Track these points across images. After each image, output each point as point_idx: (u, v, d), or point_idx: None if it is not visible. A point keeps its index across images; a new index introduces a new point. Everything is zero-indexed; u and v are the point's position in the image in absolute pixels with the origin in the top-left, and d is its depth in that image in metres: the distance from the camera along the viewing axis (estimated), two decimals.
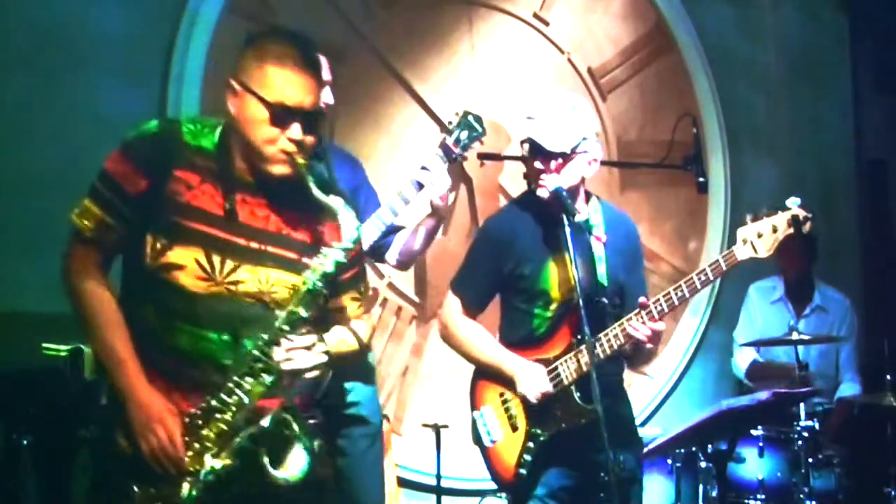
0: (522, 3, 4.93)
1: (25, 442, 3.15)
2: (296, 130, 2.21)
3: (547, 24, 4.99)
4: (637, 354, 3.04)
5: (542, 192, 2.95)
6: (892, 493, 4.27)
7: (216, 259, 2.20)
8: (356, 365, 3.10)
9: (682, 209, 5.32)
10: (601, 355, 2.91)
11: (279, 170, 2.23)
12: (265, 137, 2.20)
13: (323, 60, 3.41)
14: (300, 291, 2.23)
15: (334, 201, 2.27)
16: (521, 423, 2.97)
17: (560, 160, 2.96)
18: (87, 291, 2.22)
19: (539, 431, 2.94)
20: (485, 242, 3.17)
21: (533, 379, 2.94)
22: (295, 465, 2.19)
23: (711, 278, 2.99)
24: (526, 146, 3.02)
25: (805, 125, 5.73)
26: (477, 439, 3.05)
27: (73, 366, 2.16)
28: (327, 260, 2.24)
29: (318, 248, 2.29)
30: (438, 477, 3.92)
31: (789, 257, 4.99)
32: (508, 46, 4.89)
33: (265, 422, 2.15)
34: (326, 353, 2.28)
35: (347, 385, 3.44)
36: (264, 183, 2.26)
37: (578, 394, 2.92)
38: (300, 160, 2.23)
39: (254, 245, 2.24)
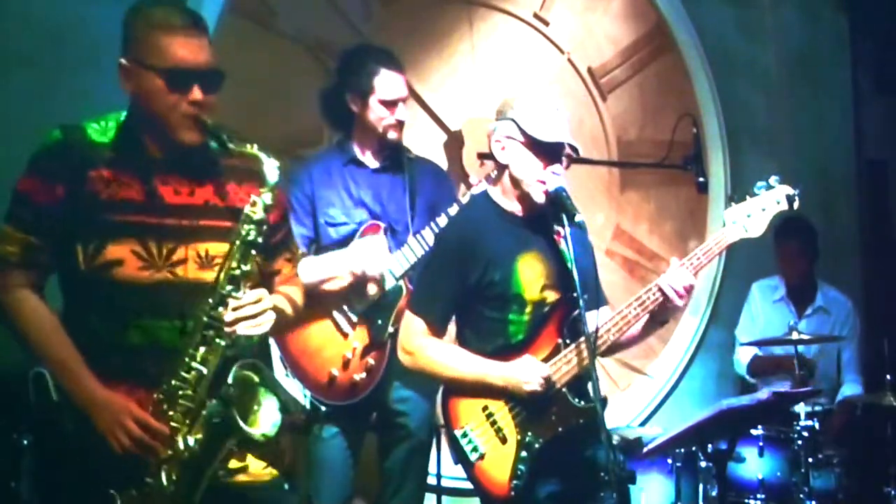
0: (522, 3, 4.93)
1: (25, 442, 3.15)
2: (196, 92, 2.20)
3: (547, 24, 4.99)
4: (651, 324, 2.94)
5: (539, 195, 2.86)
6: (892, 493, 4.27)
7: (153, 246, 2.19)
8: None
9: (682, 209, 5.32)
10: (611, 338, 2.84)
11: (188, 136, 2.22)
12: (166, 105, 2.19)
13: (400, 77, 3.48)
14: (236, 247, 2.22)
15: (252, 149, 2.27)
16: (511, 434, 2.82)
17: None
18: (20, 309, 2.19)
19: (532, 439, 2.81)
20: (446, 253, 2.96)
21: (529, 373, 2.80)
22: (267, 420, 2.20)
23: (705, 262, 2.93)
24: (545, 149, 2.84)
25: (805, 125, 5.73)
26: (461, 459, 2.85)
27: (38, 391, 2.16)
28: (257, 207, 2.24)
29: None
30: (438, 477, 3.92)
31: (788, 261, 4.99)
32: (508, 46, 4.89)
33: (228, 379, 2.14)
34: (273, 307, 2.27)
35: (403, 393, 3.49)
36: (176, 155, 2.24)
37: (572, 394, 2.83)
38: (206, 120, 2.21)
39: (185, 223, 2.23)
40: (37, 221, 2.17)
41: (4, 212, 2.25)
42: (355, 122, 3.53)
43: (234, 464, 2.28)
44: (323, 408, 3.40)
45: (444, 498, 3.99)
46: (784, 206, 3.01)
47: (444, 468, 3.91)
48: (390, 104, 3.46)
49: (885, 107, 6.04)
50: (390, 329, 3.40)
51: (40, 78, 3.79)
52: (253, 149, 2.27)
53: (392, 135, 3.49)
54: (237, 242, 2.22)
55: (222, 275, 2.20)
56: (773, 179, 3.03)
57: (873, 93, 6.05)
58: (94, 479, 2.14)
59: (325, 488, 3.46)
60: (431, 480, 3.88)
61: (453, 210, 3.41)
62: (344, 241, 3.44)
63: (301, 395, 3.39)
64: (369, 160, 3.55)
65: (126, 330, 2.18)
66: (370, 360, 3.40)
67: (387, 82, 3.46)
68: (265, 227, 2.25)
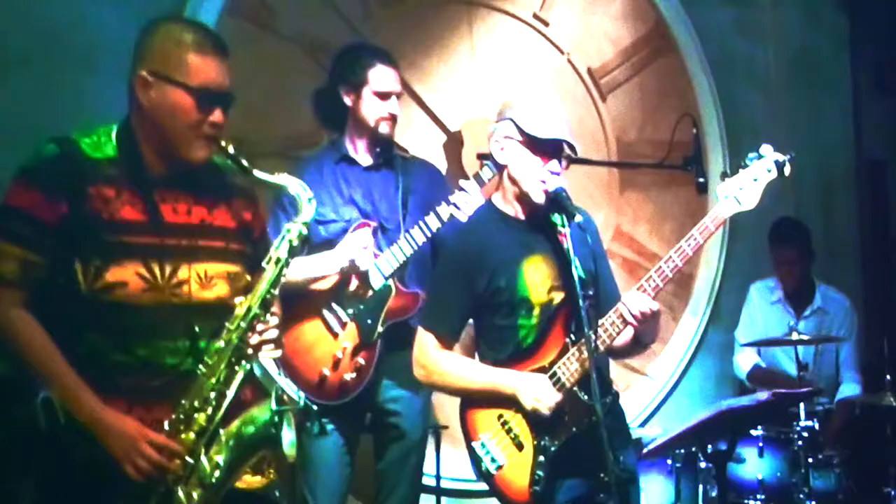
0: (522, 3, 4.93)
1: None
2: (217, 114, 2.21)
3: (547, 24, 4.98)
4: (635, 342, 2.93)
5: (539, 195, 2.86)
6: (892, 493, 4.27)
7: (155, 267, 2.18)
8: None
9: (682, 209, 5.31)
10: (601, 347, 2.82)
11: (201, 154, 2.22)
12: (189, 123, 2.19)
13: (394, 73, 3.50)
14: (273, 272, 2.23)
15: (282, 178, 2.29)
16: (526, 439, 2.82)
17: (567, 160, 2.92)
18: (19, 330, 2.14)
19: (547, 443, 2.80)
20: (452, 264, 2.98)
21: (538, 391, 2.80)
22: (285, 440, 2.21)
23: (701, 241, 2.91)
24: (543, 147, 2.84)
25: (805, 125, 5.73)
26: (481, 471, 2.86)
27: (48, 416, 2.14)
28: (293, 234, 2.26)
29: (240, 231, 2.31)
30: (438, 477, 3.92)
31: (784, 266, 4.98)
32: (508, 47, 4.89)
33: (272, 403, 2.17)
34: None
35: (395, 392, 3.50)
36: (179, 172, 2.24)
37: (583, 393, 2.80)
38: (226, 144, 2.22)
39: (185, 242, 2.22)
40: (37, 238, 2.12)
41: None
42: (348, 117, 3.55)
43: None
44: (315, 407, 3.40)
45: (443, 498, 4.00)
46: (775, 174, 3.00)
47: (444, 468, 3.92)
48: (384, 96, 3.50)
49: (885, 107, 6.03)
50: (380, 329, 3.42)
51: (40, 78, 3.79)
52: (283, 178, 2.29)
53: (384, 128, 3.51)
54: (275, 267, 2.23)
55: (256, 299, 2.21)
56: (764, 148, 3.02)
57: (873, 93, 6.04)
58: (92, 498, 2.13)
59: (320, 487, 3.46)
60: (431, 481, 3.89)
61: (443, 209, 3.42)
62: (333, 239, 3.45)
63: (295, 394, 3.39)
64: (361, 157, 3.56)
65: (128, 350, 2.16)
66: (360, 360, 3.41)
67: (381, 75, 3.50)
68: (297, 252, 2.28)
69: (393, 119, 3.53)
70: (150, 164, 2.23)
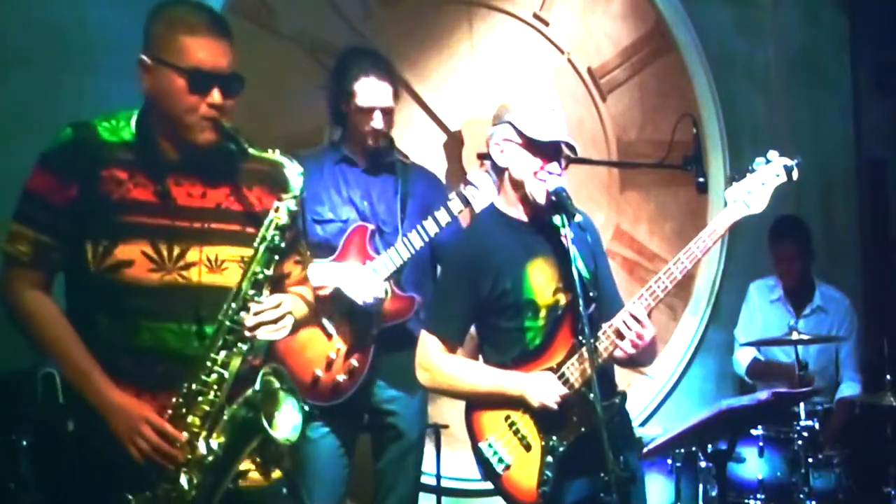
0: (522, 3, 4.93)
1: (25, 443, 3.15)
2: (215, 95, 2.18)
3: (547, 24, 4.98)
4: (630, 363, 2.93)
5: (541, 195, 2.85)
6: (893, 493, 4.27)
7: (163, 247, 2.18)
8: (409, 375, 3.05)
9: (682, 209, 5.31)
10: (610, 347, 2.81)
11: (204, 137, 2.20)
12: (185, 106, 2.17)
13: (382, 85, 3.45)
14: (260, 251, 2.20)
15: (274, 154, 2.26)
16: (534, 440, 2.81)
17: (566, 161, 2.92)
18: (33, 310, 2.17)
19: (555, 443, 2.80)
20: (457, 268, 2.97)
21: (544, 387, 2.79)
22: (287, 424, 2.20)
23: (710, 244, 2.92)
24: (543, 148, 2.85)
25: (805, 125, 5.73)
26: (488, 472, 2.84)
27: (46, 391, 2.15)
28: (280, 212, 2.23)
29: (256, 214, 2.28)
30: (438, 477, 3.92)
31: (784, 262, 4.98)
32: (508, 47, 4.89)
33: (256, 385, 2.14)
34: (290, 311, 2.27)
35: (392, 393, 3.50)
36: (191, 156, 2.23)
37: (592, 394, 2.75)
38: (225, 123, 2.20)
39: (197, 225, 2.22)
40: (51, 221, 2.16)
41: (4, 208, 2.24)
42: (347, 122, 3.54)
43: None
44: (306, 408, 3.39)
45: (443, 498, 4.00)
46: (783, 178, 3.02)
47: (444, 468, 3.92)
48: (367, 111, 3.45)
49: (885, 107, 6.03)
50: (374, 331, 3.41)
51: (40, 78, 3.79)
52: (275, 154, 2.27)
53: (370, 140, 3.49)
54: (262, 247, 2.21)
55: (245, 279, 2.19)
56: (770, 153, 3.03)
57: (873, 93, 6.04)
58: (95, 483, 2.13)
59: (317, 489, 3.46)
60: (431, 481, 3.89)
61: (441, 214, 3.41)
62: (331, 240, 3.45)
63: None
64: (360, 160, 3.56)
65: (133, 332, 2.17)
66: (353, 362, 3.40)
67: (365, 89, 3.45)
68: (287, 233, 2.25)
69: (377, 134, 3.48)
70: (164, 148, 2.23)
